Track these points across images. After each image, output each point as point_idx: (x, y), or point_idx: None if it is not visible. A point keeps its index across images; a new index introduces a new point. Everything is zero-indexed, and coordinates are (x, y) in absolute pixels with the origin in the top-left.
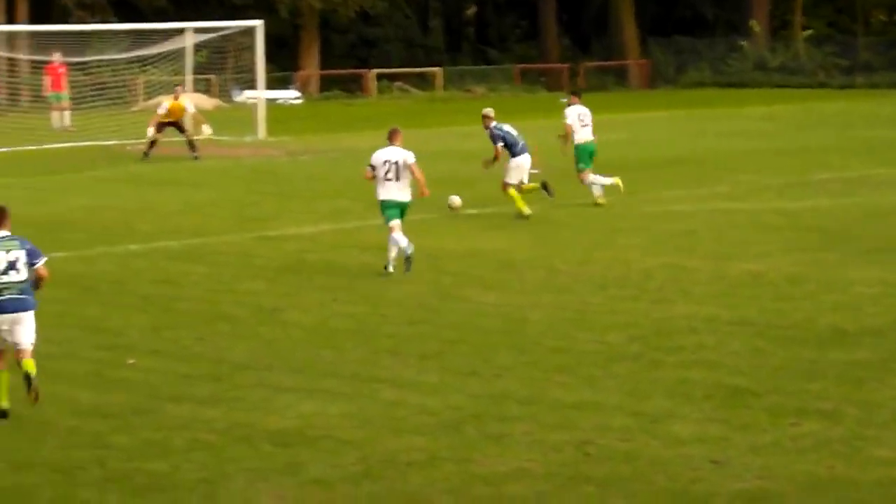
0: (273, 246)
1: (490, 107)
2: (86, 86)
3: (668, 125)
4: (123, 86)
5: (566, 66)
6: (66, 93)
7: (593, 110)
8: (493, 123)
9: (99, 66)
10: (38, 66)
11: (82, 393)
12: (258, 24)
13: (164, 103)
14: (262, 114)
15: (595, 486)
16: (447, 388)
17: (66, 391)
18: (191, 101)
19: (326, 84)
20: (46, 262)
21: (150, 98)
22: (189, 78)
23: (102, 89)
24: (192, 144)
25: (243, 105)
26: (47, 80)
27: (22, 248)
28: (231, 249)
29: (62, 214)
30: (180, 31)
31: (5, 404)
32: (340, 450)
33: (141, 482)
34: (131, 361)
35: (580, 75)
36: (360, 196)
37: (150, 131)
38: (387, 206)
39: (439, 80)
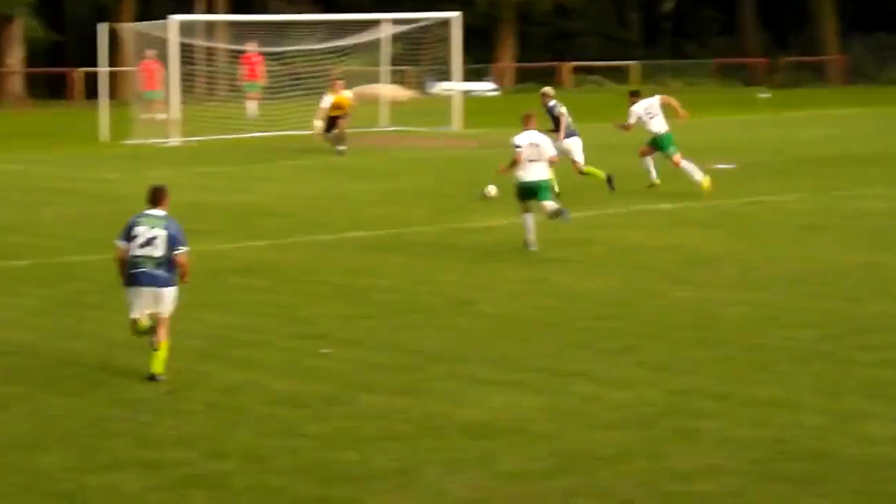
0: (467, 237)
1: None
2: (282, 76)
3: (866, 122)
4: (320, 76)
5: (764, 60)
6: (259, 82)
7: (790, 106)
8: (552, 102)
9: (295, 57)
10: (235, 56)
11: (276, 381)
12: (455, 15)
13: (327, 98)
14: (457, 105)
15: (788, 484)
16: (639, 383)
17: (261, 379)
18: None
19: (522, 76)
20: (186, 253)
21: (346, 89)
22: (385, 69)
23: (298, 79)
24: (339, 138)
25: (439, 96)
26: (243, 70)
27: (166, 229)
28: (425, 240)
29: (258, 203)
30: (377, 23)
31: (157, 371)
32: (532, 443)
33: (333, 472)
34: (325, 351)
35: (778, 70)
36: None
37: (318, 124)
38: (526, 187)
39: (635, 74)
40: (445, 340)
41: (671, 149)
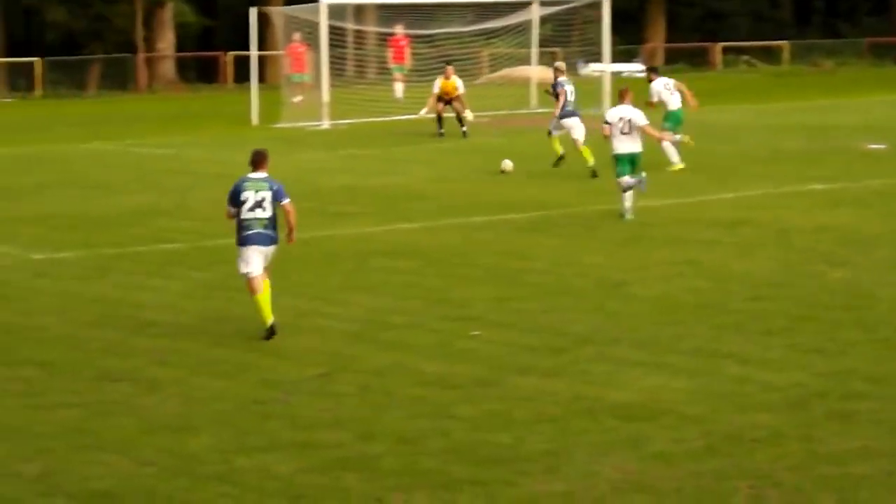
0: (617, 219)
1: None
2: (431, 58)
3: None
4: (468, 58)
5: None
6: (406, 65)
7: None
8: (561, 78)
9: (444, 39)
10: (383, 39)
11: (427, 364)
12: None
13: (437, 81)
14: (607, 87)
15: None
16: (792, 365)
17: (412, 362)
18: (461, 82)
19: (672, 57)
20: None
21: (494, 71)
22: (534, 51)
23: (448, 62)
24: (461, 120)
25: (589, 78)
26: (390, 53)
27: (270, 189)
28: (575, 222)
29: (408, 186)
30: (526, 5)
31: (270, 320)
32: (683, 425)
33: (484, 453)
34: (476, 333)
35: None
36: (704, 169)
37: (424, 111)
38: (621, 160)
39: (786, 54)
40: (596, 323)
41: (676, 126)
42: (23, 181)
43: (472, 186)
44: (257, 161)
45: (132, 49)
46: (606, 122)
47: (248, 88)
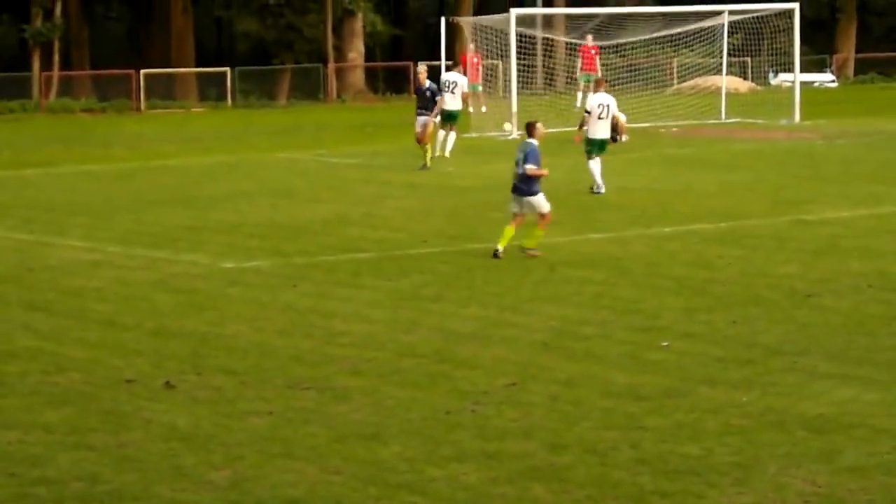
0: (807, 230)
1: None
2: (620, 68)
3: None
4: (657, 67)
5: None
6: (596, 74)
7: None
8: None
9: (633, 48)
10: (573, 48)
11: (616, 374)
12: (795, 6)
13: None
14: (797, 97)
15: None
16: None
17: (601, 372)
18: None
19: (863, 67)
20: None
21: (684, 80)
22: (724, 60)
23: (636, 71)
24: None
25: (779, 88)
26: (580, 62)
27: (523, 152)
28: (765, 232)
29: (597, 196)
30: (715, 13)
31: (500, 247)
32: (876, 438)
33: (673, 465)
34: (665, 344)
35: None
36: None
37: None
38: (595, 143)
39: None
40: (786, 334)
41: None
42: (213, 190)
43: (660, 196)
44: (529, 130)
45: (322, 59)
46: (587, 112)
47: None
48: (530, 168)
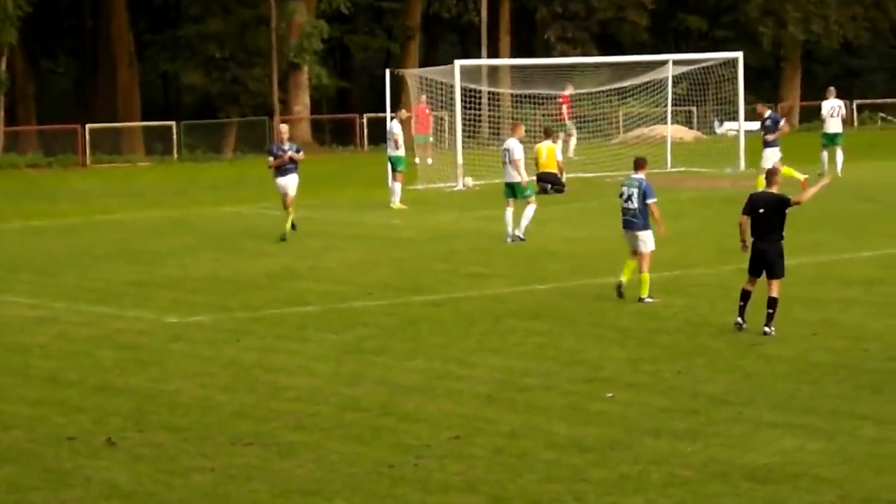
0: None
1: None
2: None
3: None
4: (602, 117)
5: None
6: (570, 123)
7: None
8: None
9: (580, 100)
10: (520, 100)
11: (560, 426)
12: (738, 55)
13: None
14: (742, 145)
15: None
16: None
17: (544, 424)
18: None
19: (808, 115)
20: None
21: (629, 130)
22: (669, 110)
23: (582, 121)
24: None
25: (724, 137)
26: (563, 110)
27: (638, 186)
28: (710, 281)
29: (542, 246)
30: (661, 64)
31: (623, 279)
32: (820, 488)
33: None
34: (609, 395)
35: None
36: (840, 228)
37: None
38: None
39: None
40: (730, 383)
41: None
42: (159, 245)
43: (605, 246)
44: (637, 165)
45: (268, 112)
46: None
47: (383, 150)
48: (654, 202)
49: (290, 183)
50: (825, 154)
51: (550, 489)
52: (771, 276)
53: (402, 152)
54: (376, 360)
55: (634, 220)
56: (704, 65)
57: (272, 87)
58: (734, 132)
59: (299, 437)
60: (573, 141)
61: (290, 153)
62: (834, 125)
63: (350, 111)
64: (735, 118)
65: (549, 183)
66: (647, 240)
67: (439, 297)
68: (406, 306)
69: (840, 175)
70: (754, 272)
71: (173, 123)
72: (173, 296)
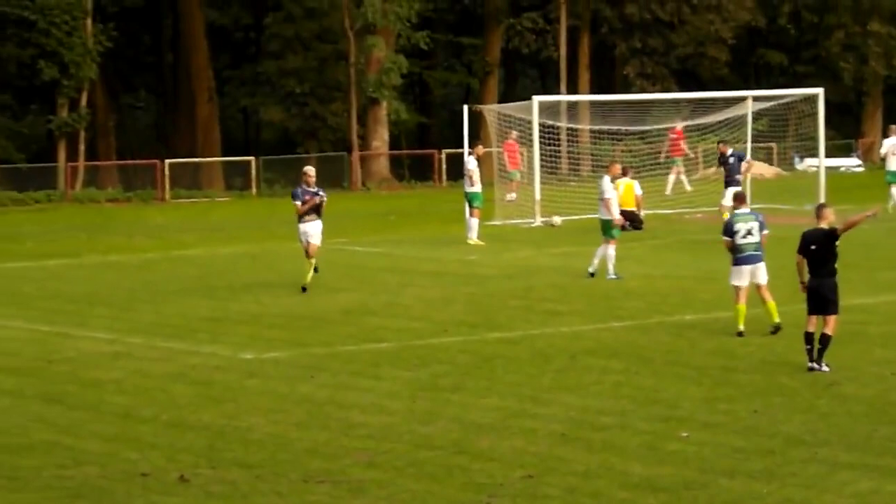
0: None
1: None
2: (645, 154)
3: None
4: (684, 154)
5: None
6: (680, 157)
7: None
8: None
9: (660, 135)
10: (598, 136)
11: (635, 465)
12: (819, 91)
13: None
14: (822, 182)
15: None
16: None
17: (619, 463)
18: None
19: None
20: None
21: (709, 166)
22: (749, 146)
23: (661, 157)
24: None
25: (804, 173)
26: (668, 145)
27: (756, 220)
28: (787, 320)
29: (619, 284)
30: (741, 100)
31: (741, 327)
32: None
33: None
34: (685, 434)
35: None
36: None
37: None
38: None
39: None
40: (807, 423)
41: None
42: (235, 280)
43: (682, 283)
44: (738, 199)
45: (347, 147)
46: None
47: (461, 186)
48: (767, 234)
49: (314, 230)
50: (893, 189)
51: None
52: (825, 313)
53: (478, 188)
54: (450, 398)
55: (757, 253)
56: (785, 101)
57: (351, 123)
58: (815, 168)
59: (371, 474)
60: (682, 177)
61: (317, 197)
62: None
63: (429, 147)
64: (816, 154)
65: (627, 220)
66: (764, 270)
67: (515, 334)
68: (481, 343)
69: None
70: (812, 310)
71: (252, 159)
72: (249, 331)
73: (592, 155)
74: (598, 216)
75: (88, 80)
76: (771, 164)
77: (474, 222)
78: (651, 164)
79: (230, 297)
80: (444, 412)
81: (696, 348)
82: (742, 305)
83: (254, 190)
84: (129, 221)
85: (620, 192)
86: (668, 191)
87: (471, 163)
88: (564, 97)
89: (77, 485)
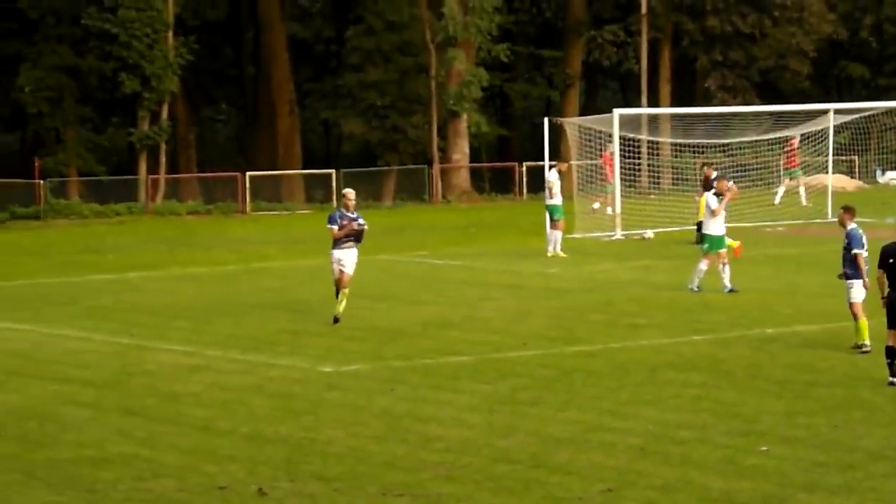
0: None
1: None
2: (727, 167)
3: None
4: (764, 166)
5: None
6: (797, 169)
7: None
8: None
9: (740, 148)
10: (680, 149)
11: (714, 480)
12: None
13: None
14: None
15: None
16: None
17: (698, 478)
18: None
19: None
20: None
21: (792, 179)
22: (830, 159)
23: (743, 171)
24: None
25: (886, 186)
26: (785, 157)
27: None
28: (869, 334)
29: (700, 297)
30: (822, 112)
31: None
32: None
33: None
34: (764, 448)
35: None
36: None
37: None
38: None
39: None
40: (888, 438)
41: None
42: (315, 293)
43: (763, 297)
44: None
45: (427, 160)
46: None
47: (542, 199)
48: (857, 252)
49: (349, 259)
50: None
51: None
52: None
53: (557, 201)
54: (529, 412)
55: (844, 270)
56: (867, 113)
57: (431, 135)
58: None
59: (449, 488)
60: (802, 189)
61: (356, 223)
62: None
63: (509, 159)
64: None
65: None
66: (848, 288)
67: (594, 347)
68: (560, 357)
69: None
70: (893, 324)
71: (333, 171)
72: (328, 344)
73: (673, 168)
74: (705, 231)
75: (169, 92)
76: (853, 177)
77: (556, 235)
78: (733, 177)
79: (309, 310)
80: (523, 426)
81: (776, 362)
82: (862, 321)
83: (334, 202)
84: (209, 234)
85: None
86: (777, 200)
87: (552, 175)
88: (645, 110)
89: (155, 497)
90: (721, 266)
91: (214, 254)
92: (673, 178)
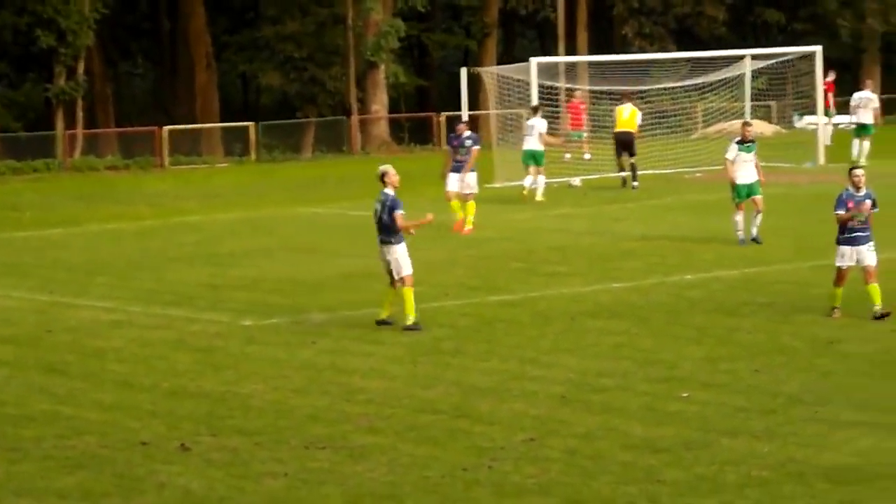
0: (830, 274)
1: None
2: (644, 114)
3: None
4: (682, 113)
5: None
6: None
7: None
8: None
9: (658, 95)
10: (598, 96)
11: (635, 426)
12: (817, 49)
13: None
14: (821, 140)
15: None
16: None
17: (620, 424)
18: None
19: (889, 108)
20: None
21: (708, 125)
22: (747, 105)
23: (661, 118)
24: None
25: (803, 131)
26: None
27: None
28: (788, 279)
29: (618, 245)
30: (739, 58)
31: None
32: None
33: None
34: (685, 394)
35: None
36: None
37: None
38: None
39: None
40: (808, 382)
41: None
42: (234, 247)
43: (682, 244)
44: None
45: (346, 111)
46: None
47: None
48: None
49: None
50: (856, 141)
51: (625, 491)
52: None
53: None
54: (451, 362)
55: (864, 234)
56: (783, 59)
57: (350, 87)
58: (813, 126)
59: (372, 439)
60: (829, 129)
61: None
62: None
63: (428, 110)
64: (814, 112)
65: (623, 144)
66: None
67: (515, 296)
68: (482, 306)
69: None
70: None
71: (251, 124)
72: (248, 298)
73: (591, 115)
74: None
75: (85, 47)
76: (770, 122)
77: (542, 179)
78: (651, 124)
79: (230, 264)
80: (445, 376)
81: (696, 308)
82: (873, 286)
83: (253, 156)
84: (128, 189)
85: (625, 117)
86: (828, 141)
87: (543, 123)
88: (563, 58)
89: (77, 454)
90: (754, 214)
91: (134, 209)
92: (592, 126)
